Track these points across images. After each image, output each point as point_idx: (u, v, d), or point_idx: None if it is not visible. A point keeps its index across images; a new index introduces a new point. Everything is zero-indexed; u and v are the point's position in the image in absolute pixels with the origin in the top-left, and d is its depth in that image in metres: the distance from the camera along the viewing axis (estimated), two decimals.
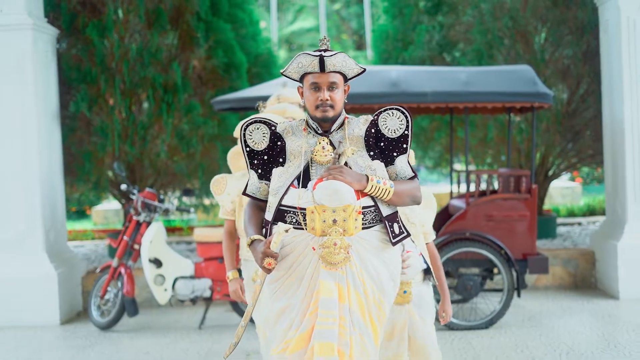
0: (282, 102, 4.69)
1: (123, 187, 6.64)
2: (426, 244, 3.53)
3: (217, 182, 4.01)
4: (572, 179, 16.25)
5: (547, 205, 12.68)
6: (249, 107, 6.82)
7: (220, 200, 3.96)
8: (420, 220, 3.49)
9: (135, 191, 6.59)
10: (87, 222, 14.27)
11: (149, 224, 6.50)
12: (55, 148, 7.42)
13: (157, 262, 6.28)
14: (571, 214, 11.77)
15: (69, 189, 8.59)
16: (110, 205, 14.40)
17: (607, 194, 7.76)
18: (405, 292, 3.42)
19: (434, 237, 3.58)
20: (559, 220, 10.86)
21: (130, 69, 7.87)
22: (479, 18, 8.59)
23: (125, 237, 6.51)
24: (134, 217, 6.53)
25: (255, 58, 8.90)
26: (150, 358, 5.49)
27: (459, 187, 7.69)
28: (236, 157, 4.51)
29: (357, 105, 6.20)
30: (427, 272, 3.52)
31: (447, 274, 6.06)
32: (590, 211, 11.73)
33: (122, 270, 6.42)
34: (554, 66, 8.66)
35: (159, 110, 8.00)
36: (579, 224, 10.51)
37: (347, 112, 6.78)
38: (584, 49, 8.51)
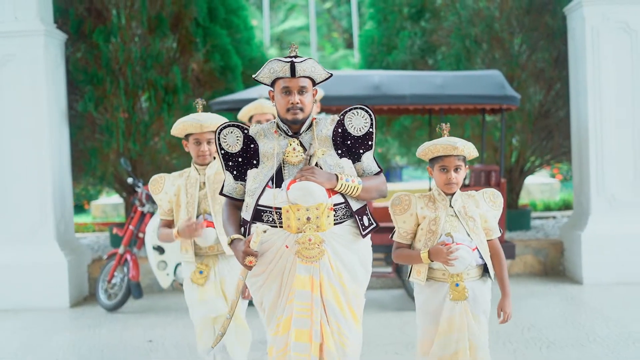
0: (265, 109, 5.06)
1: (129, 180, 7.21)
2: (489, 240, 3.40)
3: (155, 181, 3.97)
4: (553, 176, 16.88)
5: (525, 200, 13.34)
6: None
7: (158, 199, 3.96)
8: (481, 215, 3.37)
9: (140, 184, 7.17)
10: (86, 216, 14.81)
11: (152, 214, 7.09)
12: (64, 145, 8.00)
13: (160, 249, 6.81)
14: (547, 208, 12.43)
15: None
16: (108, 200, 14.95)
17: (575, 188, 8.39)
18: (457, 285, 3.28)
19: (499, 234, 3.44)
20: (536, 214, 11.51)
21: (133, 71, 8.39)
22: (458, 25, 9.20)
23: (130, 227, 7.09)
24: (139, 208, 7.11)
25: (249, 61, 9.40)
26: (154, 335, 6.06)
27: None
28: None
29: (342, 106, 6.79)
30: (486, 270, 3.39)
31: None
32: (566, 206, 12.38)
33: (128, 256, 7.01)
34: (529, 70, 9.25)
35: (160, 110, 8.53)
36: (554, 217, 11.15)
37: (333, 113, 7.40)
38: (555, 54, 9.10)
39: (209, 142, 3.84)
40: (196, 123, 3.76)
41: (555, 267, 8.29)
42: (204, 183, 3.87)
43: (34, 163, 7.46)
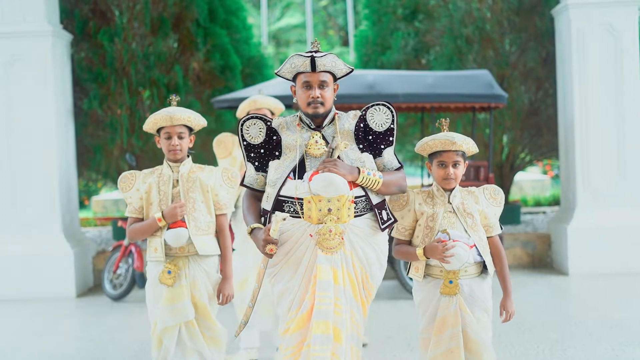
0: (258, 104, 5.09)
1: None
2: (489, 237, 3.34)
3: (125, 178, 3.80)
4: (545, 173, 17.21)
5: (517, 196, 13.69)
6: None
7: (128, 197, 3.77)
8: (481, 211, 3.32)
9: None
10: (86, 212, 15.10)
11: None
12: (70, 141, 8.32)
13: None
14: (538, 203, 12.77)
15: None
16: (108, 196, 15.26)
17: (562, 183, 8.73)
18: (451, 282, 3.22)
19: (500, 231, 3.36)
20: (527, 209, 11.86)
21: (136, 70, 8.70)
22: (450, 25, 9.51)
23: None
24: None
25: (248, 60, 9.70)
26: None
27: (429, 177, 8.62)
28: (218, 144, 5.01)
29: (337, 105, 7.08)
30: (486, 267, 3.31)
31: None
32: (556, 201, 12.72)
33: (133, 248, 7.33)
34: (519, 69, 9.55)
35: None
36: (544, 212, 11.49)
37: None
38: (543, 54, 9.42)
39: (180, 137, 3.69)
40: (166, 115, 3.65)
41: (543, 259, 8.61)
42: (177, 180, 3.75)
43: (41, 158, 7.79)
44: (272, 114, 5.07)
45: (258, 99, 5.06)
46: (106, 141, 8.96)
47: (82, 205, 15.77)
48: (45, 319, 6.71)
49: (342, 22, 30.33)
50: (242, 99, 7.47)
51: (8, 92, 7.73)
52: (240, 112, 5.15)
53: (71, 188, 8.25)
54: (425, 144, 3.29)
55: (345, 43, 29.14)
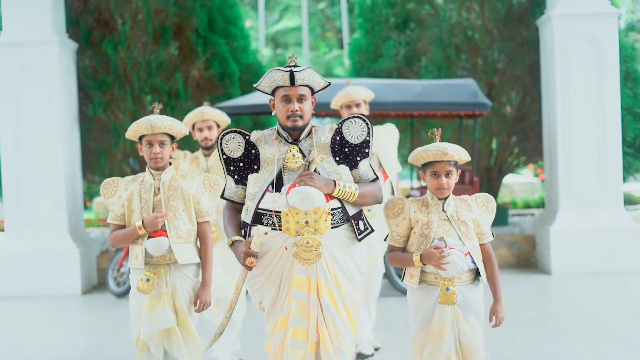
0: (205, 116, 5.09)
1: None
2: (481, 244, 3.39)
3: (107, 185, 3.78)
4: (536, 176, 17.55)
5: (507, 198, 14.05)
6: (242, 112, 8.09)
7: (111, 203, 3.74)
8: (474, 219, 3.38)
9: None
10: (89, 213, 15.45)
11: None
12: (75, 145, 8.70)
13: None
14: (527, 206, 13.13)
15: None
16: None
17: (546, 187, 9.10)
18: (448, 289, 3.27)
19: (491, 238, 3.42)
20: (516, 211, 12.19)
21: (139, 77, 9.06)
22: (439, 35, 9.87)
23: None
24: None
25: (246, 67, 10.04)
26: None
27: (419, 181, 8.97)
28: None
29: (331, 112, 7.46)
30: (478, 274, 3.36)
31: None
32: (544, 204, 13.05)
33: None
34: (506, 77, 9.90)
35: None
36: (532, 214, 11.83)
37: (323, 118, 8.00)
38: (529, 62, 9.78)
39: (161, 145, 3.66)
40: (147, 123, 3.63)
41: (528, 259, 8.98)
42: (159, 189, 3.72)
43: (48, 161, 8.18)
44: (218, 126, 5.14)
45: (205, 110, 5.08)
46: (110, 145, 9.32)
47: (84, 206, 16.09)
48: (52, 315, 7.07)
49: (340, 25, 30.50)
50: (240, 106, 7.84)
51: (17, 97, 8.12)
52: (187, 121, 5.14)
53: (76, 190, 8.62)
54: (418, 155, 3.33)
55: (342, 45, 29.31)
